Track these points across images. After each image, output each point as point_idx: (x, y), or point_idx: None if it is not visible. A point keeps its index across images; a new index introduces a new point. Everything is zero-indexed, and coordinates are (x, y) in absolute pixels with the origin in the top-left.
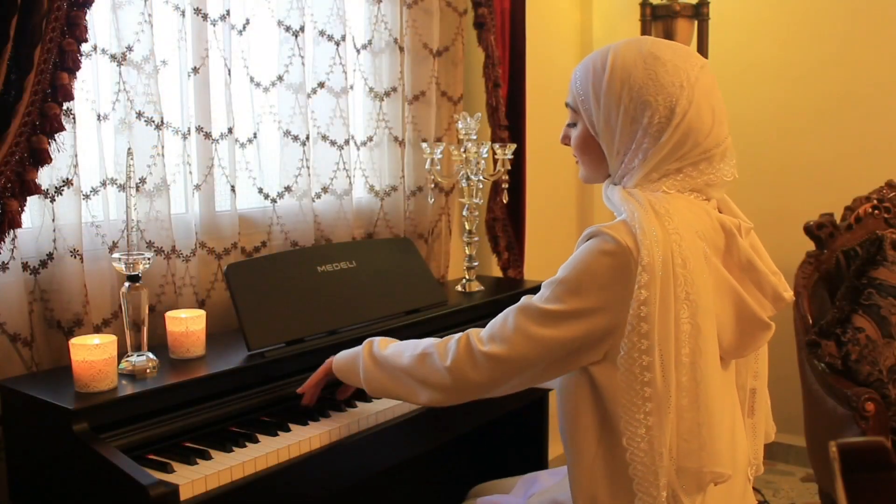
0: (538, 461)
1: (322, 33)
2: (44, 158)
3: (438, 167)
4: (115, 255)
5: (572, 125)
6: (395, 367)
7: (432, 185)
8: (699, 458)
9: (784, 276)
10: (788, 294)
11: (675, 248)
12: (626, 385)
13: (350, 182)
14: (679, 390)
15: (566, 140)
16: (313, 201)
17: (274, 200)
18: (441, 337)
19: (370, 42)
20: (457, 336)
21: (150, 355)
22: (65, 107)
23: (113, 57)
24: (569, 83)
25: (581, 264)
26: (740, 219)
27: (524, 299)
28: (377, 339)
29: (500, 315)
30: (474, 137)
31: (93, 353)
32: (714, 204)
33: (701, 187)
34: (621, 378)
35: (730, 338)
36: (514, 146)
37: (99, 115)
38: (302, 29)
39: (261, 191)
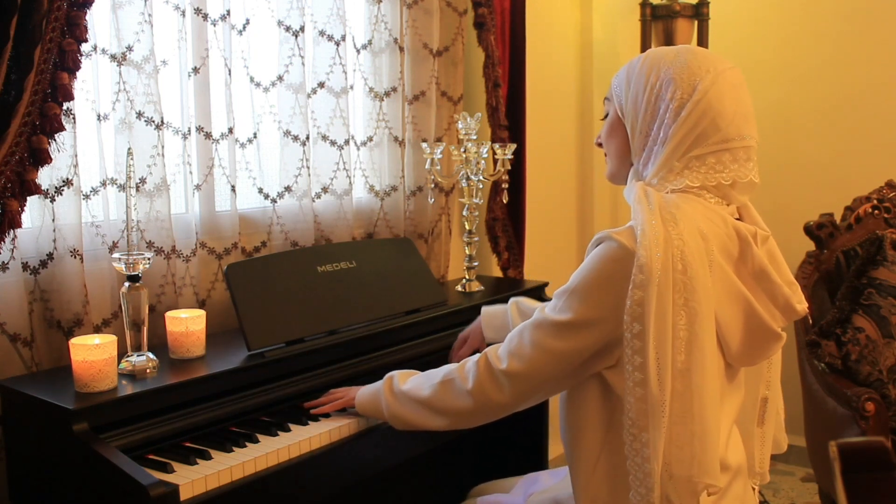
0: (538, 461)
1: (322, 33)
2: (44, 158)
3: (438, 167)
4: (115, 255)
5: (605, 118)
6: (418, 400)
7: (432, 185)
8: (690, 467)
9: None
10: (802, 307)
11: (676, 253)
12: (622, 384)
13: (350, 182)
14: (673, 397)
15: (599, 137)
16: (313, 201)
17: (274, 200)
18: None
19: (370, 42)
20: (475, 357)
21: (150, 355)
22: (65, 107)
23: (113, 57)
24: (570, 83)
25: (590, 271)
26: (758, 226)
27: (538, 312)
28: (396, 374)
29: (516, 331)
30: (474, 137)
31: (93, 353)
32: (733, 209)
33: (724, 188)
34: (618, 375)
35: (738, 345)
36: (514, 146)
37: (99, 115)
38: (302, 29)
39: (261, 191)
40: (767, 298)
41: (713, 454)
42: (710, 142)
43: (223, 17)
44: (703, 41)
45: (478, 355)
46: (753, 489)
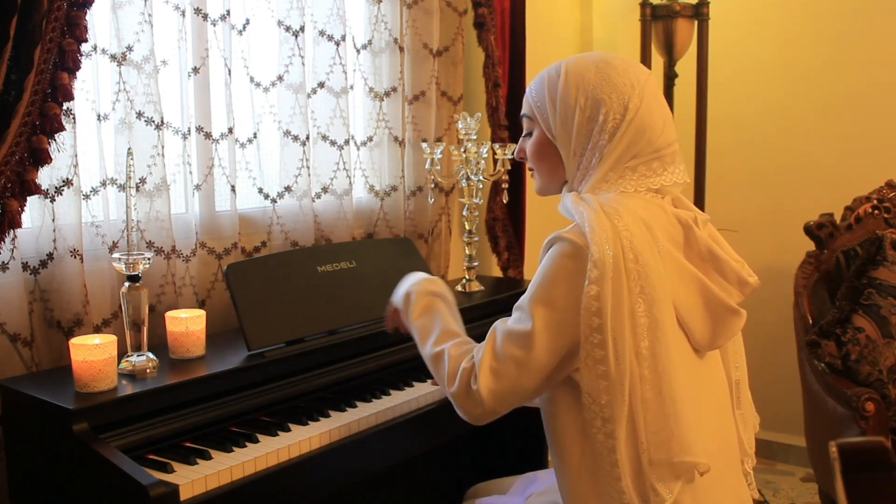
0: (537, 461)
1: (322, 33)
2: (44, 158)
3: (438, 167)
4: (115, 255)
5: (528, 135)
6: (423, 344)
7: (432, 185)
8: (668, 448)
9: (784, 276)
10: (753, 279)
11: (626, 244)
12: (586, 378)
13: (350, 182)
14: (643, 383)
15: (522, 153)
16: (313, 201)
17: (274, 200)
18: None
19: (370, 42)
20: (464, 363)
21: (150, 355)
22: (65, 107)
23: (113, 57)
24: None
25: (546, 274)
26: (695, 212)
27: (500, 325)
28: (435, 295)
29: (484, 347)
30: (474, 137)
31: (93, 353)
32: (669, 200)
33: (657, 187)
34: (582, 370)
35: (701, 328)
36: (513, 146)
37: (99, 115)
38: (302, 29)
39: (261, 191)
40: (719, 276)
41: (690, 432)
42: (644, 152)
43: (223, 17)
44: (703, 41)
45: (469, 358)
46: (747, 473)
